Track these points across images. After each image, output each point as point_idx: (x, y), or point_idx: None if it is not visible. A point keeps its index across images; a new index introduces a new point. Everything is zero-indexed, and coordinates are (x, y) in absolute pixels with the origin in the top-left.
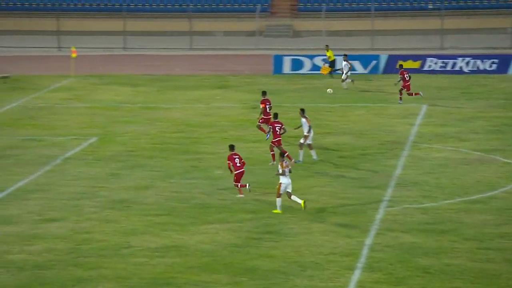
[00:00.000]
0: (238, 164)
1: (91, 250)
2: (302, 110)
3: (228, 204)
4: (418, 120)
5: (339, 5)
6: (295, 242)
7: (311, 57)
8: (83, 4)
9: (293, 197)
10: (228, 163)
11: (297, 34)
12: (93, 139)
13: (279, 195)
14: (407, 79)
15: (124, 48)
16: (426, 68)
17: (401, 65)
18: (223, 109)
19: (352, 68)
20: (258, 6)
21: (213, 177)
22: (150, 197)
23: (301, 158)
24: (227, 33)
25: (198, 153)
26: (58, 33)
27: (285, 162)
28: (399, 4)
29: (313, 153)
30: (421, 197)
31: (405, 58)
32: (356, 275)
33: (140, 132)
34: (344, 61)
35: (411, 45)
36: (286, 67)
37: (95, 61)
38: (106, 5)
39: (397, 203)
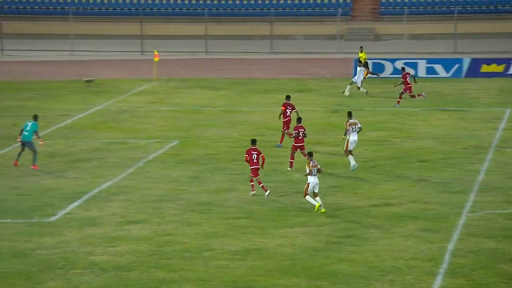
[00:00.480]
0: (254, 160)
1: (172, 252)
2: (349, 113)
3: (308, 208)
4: (502, 124)
5: (421, 8)
6: (375, 246)
7: (392, 60)
8: (166, 9)
9: (317, 198)
10: (246, 156)
11: (378, 37)
12: (174, 142)
13: (306, 195)
14: (408, 82)
15: (205, 52)
16: (510, 71)
17: (403, 68)
18: (303, 112)
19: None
20: (339, 10)
21: (293, 181)
22: (231, 200)
23: (353, 163)
24: (308, 37)
25: (278, 156)
26: (141, 37)
27: (313, 161)
28: (483, 7)
29: (350, 159)
30: (505, 202)
31: (489, 61)
32: (438, 281)
33: (221, 136)
34: (359, 67)
35: (495, 48)
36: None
37: (177, 65)
38: (188, 9)
39: (480, 208)
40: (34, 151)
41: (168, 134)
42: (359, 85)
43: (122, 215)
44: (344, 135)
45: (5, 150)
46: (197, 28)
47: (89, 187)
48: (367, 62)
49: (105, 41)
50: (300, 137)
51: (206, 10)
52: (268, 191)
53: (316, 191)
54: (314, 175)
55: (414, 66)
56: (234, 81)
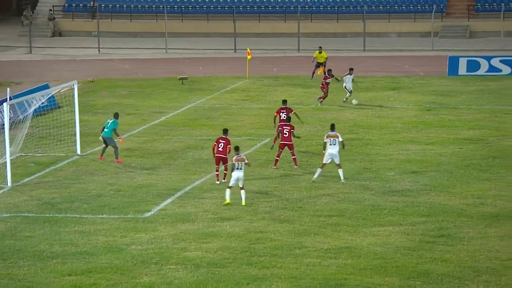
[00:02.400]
0: (220, 149)
1: (264, 250)
2: (332, 126)
3: (401, 207)
4: None
5: None
6: (470, 246)
7: (488, 58)
8: (259, 7)
9: (242, 191)
10: (214, 145)
11: (473, 34)
12: (266, 140)
13: (228, 187)
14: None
15: (298, 49)
16: None
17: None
18: (396, 110)
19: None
20: (434, 7)
21: (385, 179)
22: (322, 198)
23: (315, 177)
24: (401, 34)
25: (370, 154)
26: (234, 35)
27: (238, 156)
28: None
29: (340, 172)
30: None
31: None
32: None
33: (312, 133)
34: (350, 75)
35: None
36: (462, 68)
37: (269, 63)
38: (281, 7)
39: None
40: (115, 147)
41: (260, 132)
42: (350, 89)
43: (215, 211)
44: (324, 149)
45: (100, 147)
46: (290, 26)
47: (182, 183)
48: (325, 63)
49: (198, 39)
50: (286, 135)
51: (298, 8)
52: (219, 181)
53: (241, 185)
54: (238, 168)
55: (510, 63)
56: (310, 80)
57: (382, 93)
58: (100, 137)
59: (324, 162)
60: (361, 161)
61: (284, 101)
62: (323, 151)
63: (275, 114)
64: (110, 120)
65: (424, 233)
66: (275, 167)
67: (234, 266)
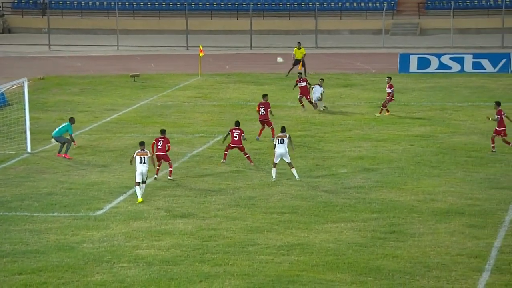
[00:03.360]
0: (159, 147)
1: (217, 247)
2: (282, 128)
3: (353, 203)
4: None
5: (467, 3)
6: (420, 242)
7: (438, 55)
8: (211, 4)
9: (142, 186)
10: (153, 143)
11: (424, 32)
12: (219, 137)
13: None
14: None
15: (250, 47)
16: None
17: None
18: (348, 107)
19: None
20: (385, 4)
21: (337, 176)
22: (275, 195)
23: (274, 176)
24: (352, 32)
25: (323, 151)
26: (187, 32)
27: (143, 150)
28: None
29: (293, 171)
30: None
31: None
32: (485, 277)
33: (265, 131)
34: (320, 86)
35: None
36: (413, 66)
37: (221, 60)
38: (233, 4)
39: None
40: (67, 142)
41: (213, 129)
42: (315, 100)
43: (167, 209)
44: (274, 148)
45: (51, 145)
46: (242, 23)
47: (134, 181)
48: (304, 60)
49: (150, 36)
50: (236, 138)
51: (251, 5)
52: (156, 176)
53: (145, 179)
54: (142, 163)
55: (460, 61)
56: (278, 76)
57: (334, 90)
58: (52, 140)
59: (275, 161)
60: (314, 158)
61: (264, 95)
62: (274, 151)
63: (257, 108)
64: (65, 123)
65: (376, 229)
66: (224, 160)
67: (186, 263)
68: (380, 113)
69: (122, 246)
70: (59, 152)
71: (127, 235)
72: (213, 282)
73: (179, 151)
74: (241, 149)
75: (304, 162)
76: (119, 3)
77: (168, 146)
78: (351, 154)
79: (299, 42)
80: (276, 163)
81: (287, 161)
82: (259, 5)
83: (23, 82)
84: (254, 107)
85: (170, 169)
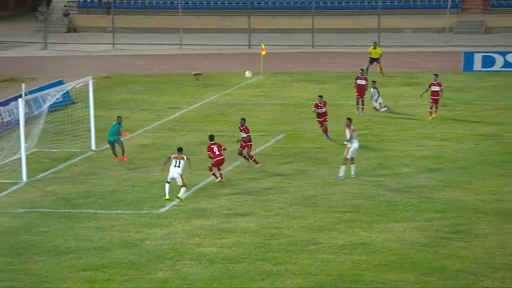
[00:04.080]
0: (217, 153)
1: (279, 245)
2: (349, 120)
3: (416, 203)
4: None
5: None
6: (485, 242)
7: (503, 54)
8: (273, 2)
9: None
10: (208, 153)
11: (488, 30)
12: (281, 136)
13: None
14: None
15: (312, 45)
16: None
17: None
18: (411, 106)
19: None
20: (449, 2)
21: (400, 175)
22: (337, 194)
23: (341, 174)
24: (416, 30)
25: (385, 150)
26: (249, 31)
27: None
28: None
29: (352, 168)
30: None
31: None
32: None
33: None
34: (373, 88)
35: None
36: (477, 64)
37: (283, 58)
38: (295, 3)
39: None
40: (121, 145)
41: (275, 128)
42: (377, 107)
43: (229, 207)
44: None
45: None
46: (304, 22)
47: (197, 179)
48: (378, 58)
49: (213, 34)
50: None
51: (313, 4)
52: (219, 179)
53: (179, 182)
54: (176, 166)
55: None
56: (340, 75)
57: (397, 89)
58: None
59: (347, 157)
60: (376, 157)
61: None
62: (348, 146)
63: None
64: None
65: (439, 229)
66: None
67: (248, 261)
68: (431, 115)
69: (185, 244)
70: (116, 156)
71: (190, 233)
72: (274, 281)
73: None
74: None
75: (367, 161)
76: (182, 2)
77: (224, 148)
78: (414, 153)
79: (375, 42)
80: (348, 159)
81: (353, 156)
82: (321, 4)
83: (88, 81)
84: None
85: (221, 172)
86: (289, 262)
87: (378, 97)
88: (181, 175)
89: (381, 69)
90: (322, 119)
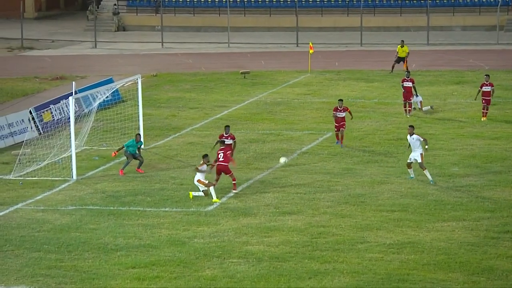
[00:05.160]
0: (221, 159)
1: (326, 244)
2: (411, 127)
3: (465, 202)
4: None
5: None
6: None
7: None
8: (322, 1)
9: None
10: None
11: None
12: (328, 134)
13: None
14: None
15: (360, 43)
16: None
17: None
18: (460, 105)
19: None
20: (500, 0)
21: (449, 174)
22: (385, 193)
23: (430, 178)
24: (465, 28)
25: (434, 149)
26: (297, 29)
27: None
28: None
29: (427, 173)
30: None
31: None
32: None
33: (375, 128)
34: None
35: None
36: None
37: (331, 57)
38: (344, 1)
39: None
40: (140, 159)
41: (322, 126)
42: (419, 106)
43: (276, 206)
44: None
45: (164, 141)
46: (352, 20)
47: (244, 177)
48: (405, 57)
49: (261, 33)
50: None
51: (361, 2)
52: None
53: (200, 189)
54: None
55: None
56: (388, 73)
57: (446, 87)
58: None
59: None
60: (425, 155)
61: (340, 100)
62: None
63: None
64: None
65: (489, 228)
66: (203, 189)
67: (296, 260)
68: (485, 116)
69: (232, 242)
70: (122, 169)
71: (237, 231)
72: (322, 279)
73: (288, 148)
74: (227, 171)
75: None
76: (230, 0)
77: (230, 156)
78: (463, 152)
79: (402, 40)
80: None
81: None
82: (370, 2)
83: (137, 79)
84: (363, 104)
85: (234, 182)
86: (337, 261)
87: (416, 95)
88: (199, 180)
89: (407, 67)
90: (340, 124)
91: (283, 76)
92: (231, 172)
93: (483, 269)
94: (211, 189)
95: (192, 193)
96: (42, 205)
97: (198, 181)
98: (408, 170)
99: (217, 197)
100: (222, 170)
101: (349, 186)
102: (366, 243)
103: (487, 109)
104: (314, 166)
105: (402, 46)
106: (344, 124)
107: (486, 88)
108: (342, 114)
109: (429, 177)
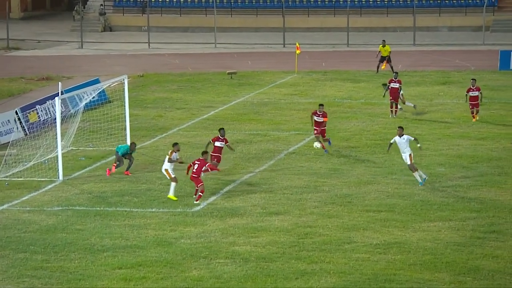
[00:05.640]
0: (194, 170)
1: (313, 244)
2: (401, 128)
3: (451, 202)
4: None
5: None
6: None
7: None
8: (308, 1)
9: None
10: (189, 165)
11: None
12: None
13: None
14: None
15: (347, 44)
16: None
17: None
18: (447, 105)
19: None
20: (486, 0)
21: (435, 174)
22: (372, 193)
23: (420, 178)
24: (451, 28)
25: (420, 149)
26: (283, 29)
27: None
28: None
29: (416, 175)
30: None
31: None
32: None
33: (361, 128)
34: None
35: None
36: None
37: (318, 57)
38: (330, 1)
39: None
40: (130, 162)
41: (309, 127)
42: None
43: (263, 206)
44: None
45: (150, 142)
46: (339, 20)
47: (231, 178)
48: (389, 57)
49: (247, 33)
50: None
51: (348, 2)
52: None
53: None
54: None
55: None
56: (375, 74)
57: (432, 88)
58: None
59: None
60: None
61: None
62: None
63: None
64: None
65: (475, 228)
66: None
67: (283, 260)
68: (475, 118)
69: (219, 242)
70: (109, 169)
71: (224, 231)
72: (309, 280)
73: (275, 148)
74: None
75: (401, 160)
76: (217, 1)
77: (209, 167)
78: (450, 152)
79: (383, 40)
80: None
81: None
82: (356, 2)
83: (123, 80)
84: (349, 105)
85: (200, 194)
86: (324, 261)
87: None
88: (166, 170)
89: (391, 67)
90: (319, 128)
91: (270, 76)
92: (201, 183)
93: (469, 269)
94: (173, 184)
95: (170, 195)
96: (28, 206)
97: (166, 171)
98: (415, 173)
99: (175, 196)
100: (193, 180)
101: (336, 186)
102: (353, 243)
103: (476, 112)
104: (301, 167)
105: (383, 46)
106: (324, 131)
107: (473, 93)
108: (321, 119)
109: (419, 179)
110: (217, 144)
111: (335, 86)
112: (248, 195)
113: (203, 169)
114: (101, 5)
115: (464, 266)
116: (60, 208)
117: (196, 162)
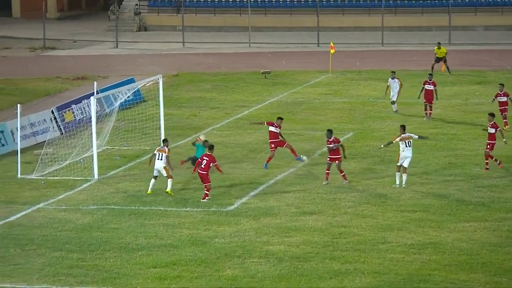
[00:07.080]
0: (202, 166)
1: (347, 244)
2: (403, 127)
3: (487, 202)
4: None
5: None
6: None
7: None
8: (343, 0)
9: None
10: (197, 161)
11: None
12: (349, 134)
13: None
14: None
15: (382, 43)
16: None
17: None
18: (482, 105)
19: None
20: None
21: (471, 174)
22: (406, 193)
23: (397, 182)
24: (487, 28)
25: (455, 149)
26: (318, 29)
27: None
28: None
29: (403, 177)
30: None
31: None
32: None
33: (395, 128)
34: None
35: None
36: None
37: (352, 57)
38: (365, 1)
39: None
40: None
41: (343, 126)
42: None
43: (298, 205)
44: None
45: (185, 141)
46: (374, 20)
47: (265, 177)
48: (445, 58)
49: (281, 33)
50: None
51: (383, 1)
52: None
53: (164, 174)
54: (158, 159)
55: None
56: (410, 73)
57: (468, 88)
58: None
59: (398, 164)
60: (446, 156)
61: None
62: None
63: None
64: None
65: (511, 229)
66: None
67: (317, 260)
68: (506, 125)
69: (253, 242)
70: (185, 161)
71: (258, 230)
72: (343, 280)
73: (310, 147)
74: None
75: (436, 160)
76: (251, 0)
77: (216, 166)
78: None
79: (438, 42)
80: (400, 165)
81: (405, 165)
82: (391, 2)
83: (158, 79)
84: (384, 104)
85: (206, 191)
86: (358, 261)
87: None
88: (164, 167)
89: (447, 68)
90: (335, 157)
91: (304, 76)
92: (208, 182)
93: (506, 269)
94: (169, 181)
95: (167, 190)
96: (64, 205)
97: (164, 168)
98: (397, 174)
99: (171, 191)
100: (200, 177)
101: (370, 186)
102: (387, 244)
103: (505, 118)
104: (335, 166)
105: (439, 48)
106: (340, 158)
107: (501, 99)
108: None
109: (397, 180)
110: (271, 129)
111: (369, 85)
112: (282, 194)
113: (213, 164)
114: (136, 5)
115: (500, 267)
116: (96, 207)
117: (204, 158)
